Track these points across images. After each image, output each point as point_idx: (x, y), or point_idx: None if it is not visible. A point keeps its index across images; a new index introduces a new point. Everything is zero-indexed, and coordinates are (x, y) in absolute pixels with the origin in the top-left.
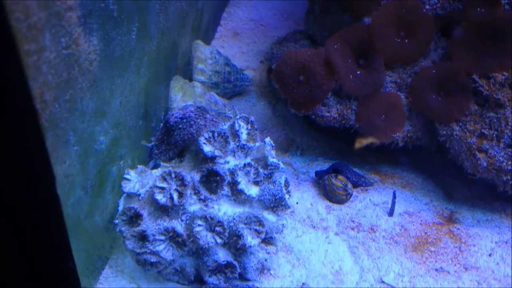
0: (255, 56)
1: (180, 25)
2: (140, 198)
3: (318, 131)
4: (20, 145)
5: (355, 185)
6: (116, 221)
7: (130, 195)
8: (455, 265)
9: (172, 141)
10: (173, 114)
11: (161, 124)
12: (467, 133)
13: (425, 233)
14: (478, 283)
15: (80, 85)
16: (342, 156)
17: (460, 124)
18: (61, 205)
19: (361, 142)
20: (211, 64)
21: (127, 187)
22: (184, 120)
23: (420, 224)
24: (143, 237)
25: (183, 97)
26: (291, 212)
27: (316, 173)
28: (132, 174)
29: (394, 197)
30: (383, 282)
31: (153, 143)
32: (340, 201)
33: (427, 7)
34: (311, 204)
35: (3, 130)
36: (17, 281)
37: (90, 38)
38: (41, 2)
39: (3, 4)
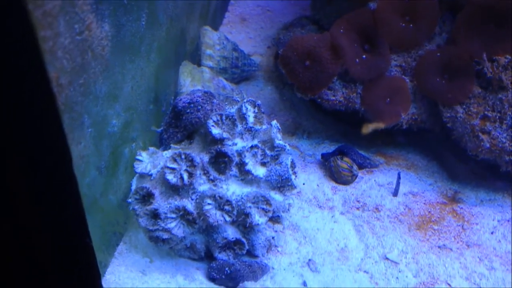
0: (262, 41)
1: (189, 11)
2: (152, 178)
3: (324, 114)
4: (39, 127)
5: (361, 167)
6: (130, 200)
7: (142, 175)
8: (457, 242)
9: (180, 125)
10: (181, 99)
11: (170, 108)
12: (471, 115)
13: (429, 212)
14: (480, 259)
15: (94, 69)
16: (347, 139)
17: (464, 106)
18: (77, 183)
19: (366, 125)
20: (219, 50)
21: (139, 167)
22: (192, 105)
23: (424, 203)
24: (155, 215)
25: (192, 82)
26: (298, 192)
27: (322, 155)
28: (144, 155)
29: (399, 177)
30: (387, 258)
31: (162, 128)
32: (345, 182)
33: None
34: (318, 185)
35: (23, 113)
36: (35, 256)
37: (102, 24)
38: None
39: None
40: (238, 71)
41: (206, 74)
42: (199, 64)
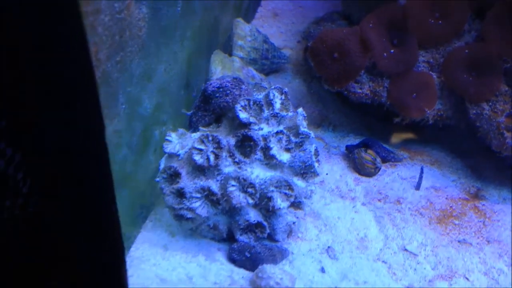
0: (293, 36)
1: (223, 3)
2: (179, 158)
3: (350, 108)
4: (77, 94)
5: (384, 160)
6: (158, 178)
7: (171, 155)
8: (478, 237)
9: (209, 108)
10: (210, 84)
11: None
12: (497, 113)
13: (450, 207)
14: (499, 255)
15: (130, 48)
16: (372, 133)
17: (490, 103)
18: (108, 152)
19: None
20: (250, 41)
21: (168, 147)
22: (221, 89)
23: (446, 198)
24: (181, 194)
25: (222, 70)
26: (320, 182)
27: (347, 147)
28: (173, 136)
29: (422, 171)
30: (406, 250)
31: (192, 111)
32: (368, 174)
33: None
34: (340, 176)
35: (63, 79)
36: (63, 221)
37: (140, 6)
38: None
39: None
40: (267, 62)
41: (236, 63)
42: (230, 54)
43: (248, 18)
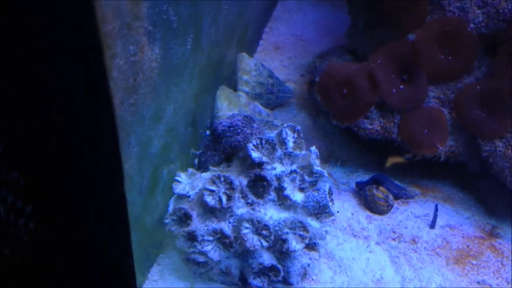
0: (296, 69)
1: (228, 38)
2: (190, 199)
3: (358, 143)
4: (101, 143)
5: (396, 197)
6: (167, 220)
7: (181, 196)
8: (497, 278)
9: (220, 148)
10: (220, 123)
11: (207, 132)
12: (511, 150)
13: (467, 246)
14: None
15: (143, 90)
16: (382, 169)
17: (504, 140)
18: (127, 204)
19: (402, 155)
20: (255, 76)
21: (178, 188)
22: (231, 128)
23: (462, 237)
24: (192, 237)
25: (228, 106)
26: (332, 220)
27: (357, 183)
28: (183, 176)
29: (436, 209)
30: None
31: (201, 151)
32: (381, 212)
33: (472, 25)
34: (352, 214)
35: (89, 129)
36: (81, 275)
37: (153, 47)
38: (116, 11)
39: (94, 11)
40: (273, 97)
41: (242, 98)
42: (235, 89)
43: (251, 51)
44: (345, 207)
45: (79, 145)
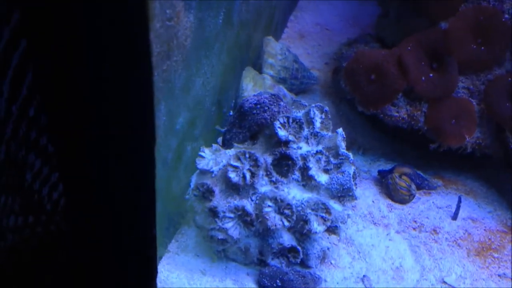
0: (320, 57)
1: (256, 19)
2: (213, 175)
3: (380, 132)
4: (134, 107)
5: (418, 187)
6: (187, 196)
7: (203, 172)
8: None
9: (245, 125)
10: (247, 100)
11: (231, 111)
12: None
13: (489, 239)
14: None
15: (176, 58)
16: (404, 158)
17: None
18: (155, 172)
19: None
20: (280, 60)
21: (201, 163)
22: (258, 106)
23: (484, 230)
24: (213, 213)
25: (254, 87)
26: (352, 206)
27: (379, 172)
28: (206, 152)
29: (459, 201)
30: (444, 282)
31: (226, 128)
32: (402, 201)
33: (506, 16)
34: (373, 201)
35: (124, 91)
36: (109, 243)
37: (188, 15)
38: None
39: None
40: (297, 82)
41: (267, 81)
42: (260, 71)
43: (276, 37)
44: (366, 195)
45: (112, 107)
